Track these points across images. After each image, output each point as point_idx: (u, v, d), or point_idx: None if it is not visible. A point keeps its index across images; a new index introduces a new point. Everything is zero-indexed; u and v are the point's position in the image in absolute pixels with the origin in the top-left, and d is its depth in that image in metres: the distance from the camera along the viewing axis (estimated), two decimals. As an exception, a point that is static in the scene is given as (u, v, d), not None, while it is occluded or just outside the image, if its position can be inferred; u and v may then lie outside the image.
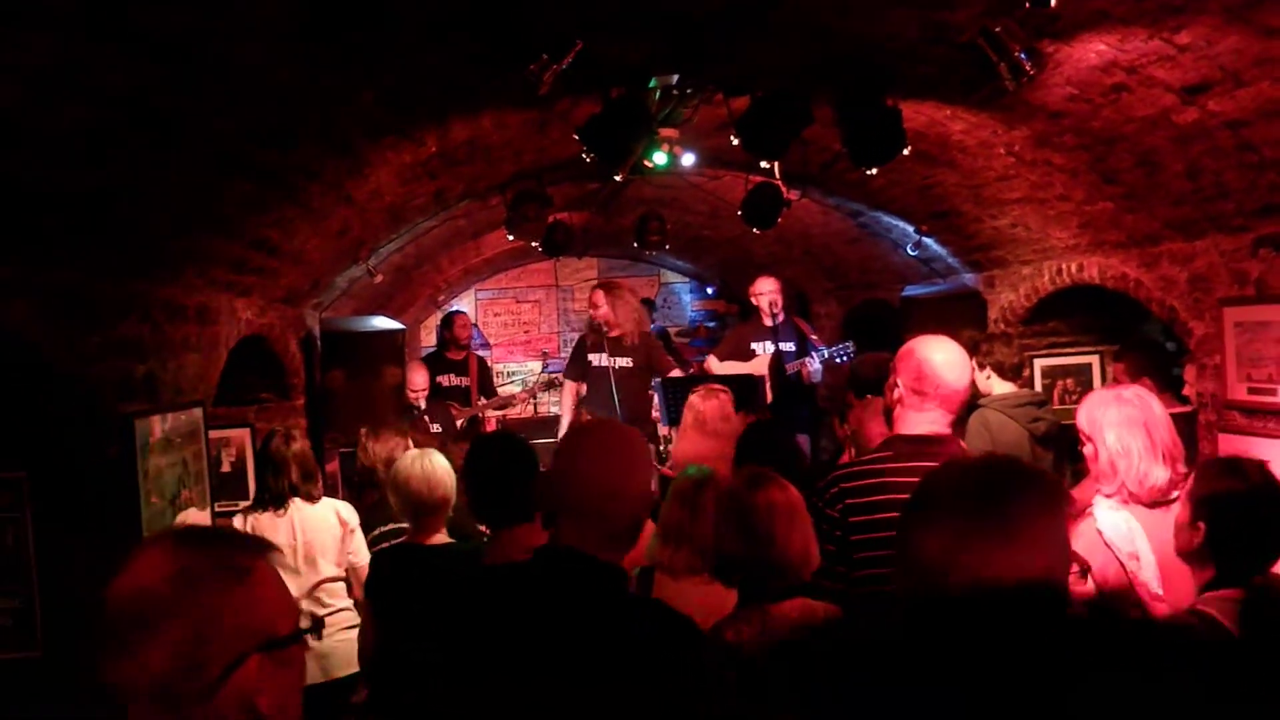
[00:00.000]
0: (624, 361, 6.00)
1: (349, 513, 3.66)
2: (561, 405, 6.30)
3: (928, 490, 1.30)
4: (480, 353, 9.79)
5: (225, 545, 1.17)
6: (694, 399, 3.89)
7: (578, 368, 6.18)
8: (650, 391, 6.03)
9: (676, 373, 7.98)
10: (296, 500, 3.56)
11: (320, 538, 3.57)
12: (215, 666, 1.08)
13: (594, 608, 1.55)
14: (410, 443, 3.78)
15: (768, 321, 6.10)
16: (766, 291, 6.10)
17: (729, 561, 2.13)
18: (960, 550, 1.20)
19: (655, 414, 6.04)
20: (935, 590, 1.21)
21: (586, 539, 1.61)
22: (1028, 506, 1.22)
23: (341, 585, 3.62)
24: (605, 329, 5.98)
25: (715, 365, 6.35)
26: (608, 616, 1.56)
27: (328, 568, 3.57)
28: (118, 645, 1.08)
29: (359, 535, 3.64)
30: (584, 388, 6.20)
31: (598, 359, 6.04)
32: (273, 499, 3.55)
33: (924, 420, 2.38)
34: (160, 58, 2.13)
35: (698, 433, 3.68)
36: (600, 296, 6.07)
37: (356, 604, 3.58)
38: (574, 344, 6.36)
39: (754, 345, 6.20)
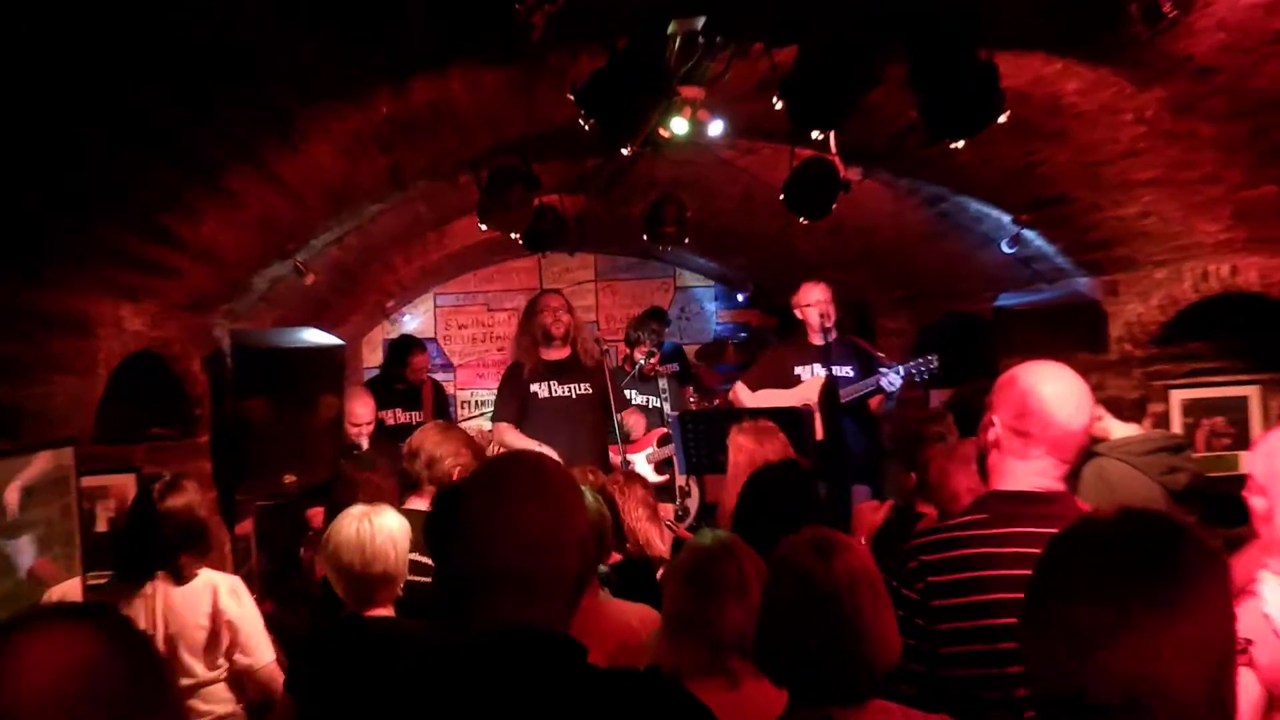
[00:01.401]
0: (584, 388, 6.16)
1: (232, 597, 3.56)
2: (515, 444, 6.17)
3: (1067, 550, 1.33)
4: (439, 376, 9.78)
5: (115, 614, 1.29)
6: (742, 439, 3.85)
7: (513, 405, 6.21)
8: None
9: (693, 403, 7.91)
10: (161, 578, 3.48)
11: (187, 629, 3.48)
12: None
13: (589, 704, 1.54)
14: (472, 458, 3.79)
15: (816, 340, 6.13)
16: (815, 302, 6.14)
17: (795, 658, 2.07)
18: (1122, 626, 1.23)
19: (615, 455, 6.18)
20: (1088, 680, 1.22)
21: (536, 610, 1.59)
22: (1196, 570, 1.26)
23: (221, 688, 3.54)
24: (556, 344, 6.15)
25: (745, 395, 6.37)
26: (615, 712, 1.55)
27: (198, 668, 3.49)
28: None
29: (253, 628, 3.56)
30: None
31: (544, 388, 6.17)
32: (134, 571, 3.47)
33: (1029, 471, 2.36)
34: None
35: None
36: (563, 302, 6.28)
37: (253, 708, 3.55)
38: (504, 374, 6.46)
39: (798, 370, 6.24)
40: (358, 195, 4.85)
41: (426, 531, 3.13)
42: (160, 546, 3.44)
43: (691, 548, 2.65)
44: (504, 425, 6.22)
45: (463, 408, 10.06)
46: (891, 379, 5.82)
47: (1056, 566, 1.32)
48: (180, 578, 3.47)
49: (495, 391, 9.30)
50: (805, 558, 2.11)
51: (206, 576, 3.56)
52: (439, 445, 3.85)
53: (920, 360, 5.82)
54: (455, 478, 3.79)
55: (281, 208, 4.24)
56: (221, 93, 3.03)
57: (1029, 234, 5.26)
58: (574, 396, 6.16)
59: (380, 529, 3.02)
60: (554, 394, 6.15)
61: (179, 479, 3.59)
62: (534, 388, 6.17)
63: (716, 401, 8.91)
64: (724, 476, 7.92)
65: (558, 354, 6.18)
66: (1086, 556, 1.29)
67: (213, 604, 3.50)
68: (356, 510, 3.09)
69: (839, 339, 6.20)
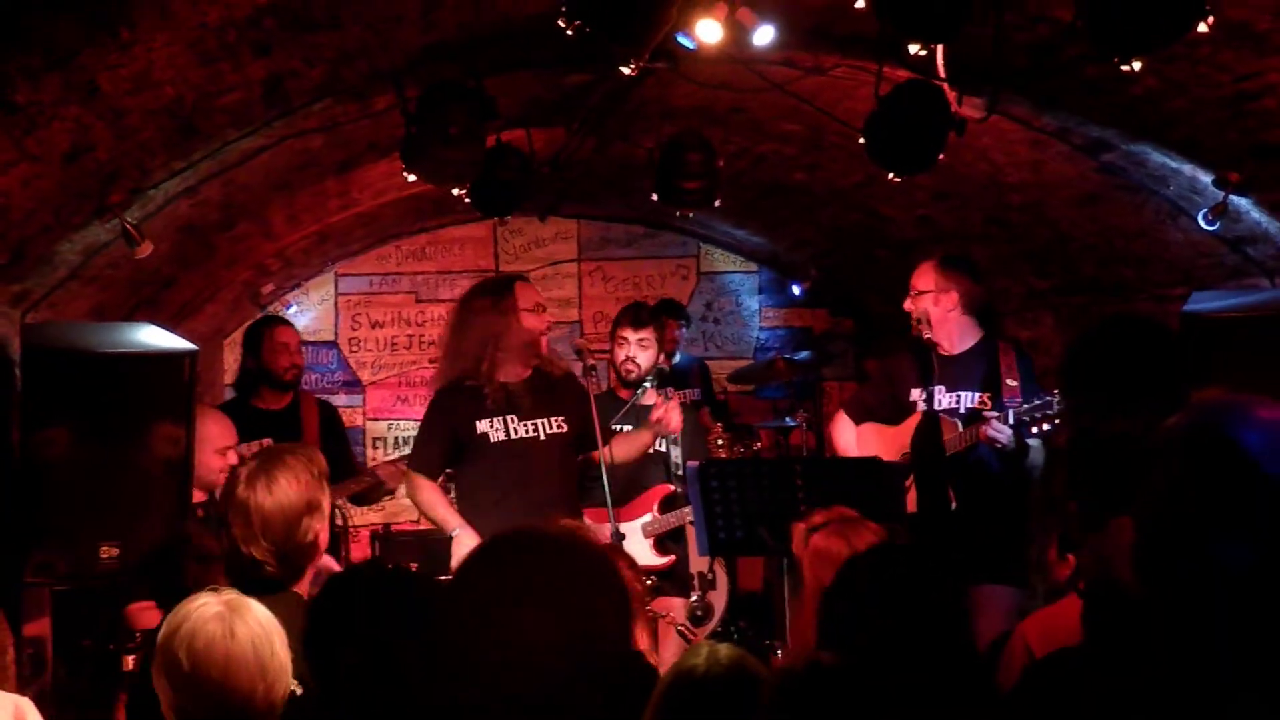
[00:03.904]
0: (556, 424, 6.14)
1: None
2: (436, 514, 6.27)
3: None
4: (342, 400, 9.71)
5: None
6: (825, 539, 3.84)
7: (438, 448, 6.26)
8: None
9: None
10: None
11: None
12: None
13: None
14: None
15: (951, 345, 6.19)
16: (918, 294, 6.21)
17: None
18: None
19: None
20: None
21: None
22: None
23: None
24: (542, 355, 6.21)
25: (844, 433, 6.47)
26: None
27: None
28: None
29: None
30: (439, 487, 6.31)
31: (493, 426, 6.16)
32: None
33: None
34: None
35: None
36: (539, 296, 6.32)
37: None
38: (430, 404, 6.46)
39: (915, 394, 6.27)
40: (218, 121, 4.84)
41: (309, 646, 3.10)
42: None
43: (678, 673, 2.69)
44: (422, 482, 6.25)
45: (374, 447, 10.02)
46: (996, 428, 5.76)
47: None
48: None
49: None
50: None
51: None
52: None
53: (1036, 401, 5.76)
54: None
55: (99, 133, 4.23)
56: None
57: (1240, 202, 5.23)
58: (542, 438, 6.13)
59: (251, 629, 3.03)
60: (513, 434, 6.12)
61: None
62: (482, 426, 6.12)
63: (758, 446, 8.87)
64: (767, 561, 7.87)
65: (517, 374, 6.13)
66: None
67: None
68: (210, 609, 3.07)
69: (979, 349, 6.20)
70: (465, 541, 5.91)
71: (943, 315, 6.14)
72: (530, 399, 6.14)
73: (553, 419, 6.15)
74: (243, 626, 3.05)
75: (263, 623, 3.10)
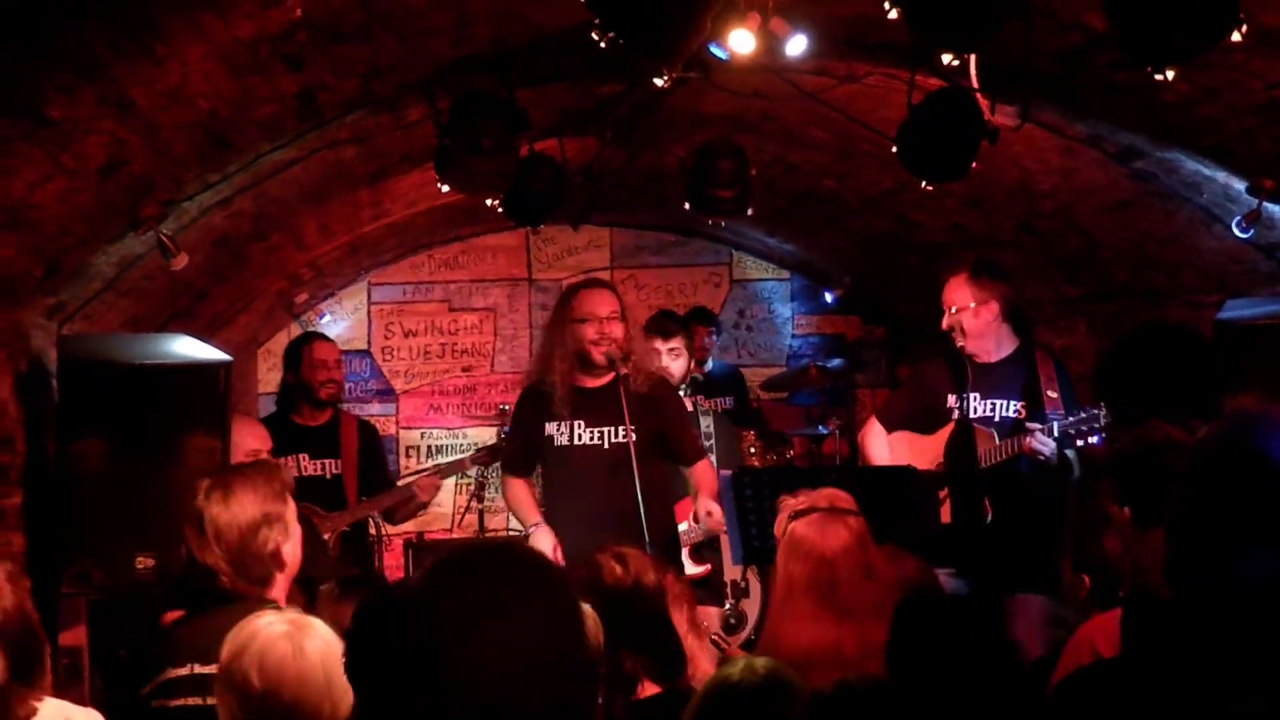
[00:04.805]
0: (623, 432, 6.11)
1: None
2: (518, 512, 6.38)
3: None
4: (375, 409, 9.73)
5: None
6: (802, 528, 3.82)
7: (519, 448, 6.39)
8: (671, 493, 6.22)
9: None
10: None
11: None
12: None
13: None
14: None
15: (989, 355, 6.14)
16: (952, 310, 6.13)
17: None
18: None
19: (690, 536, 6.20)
20: None
21: None
22: None
23: None
24: (596, 370, 6.13)
25: (875, 442, 6.41)
26: None
27: None
28: None
29: None
30: (534, 487, 6.41)
31: (559, 430, 6.19)
32: None
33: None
34: None
35: (816, 603, 3.63)
36: (611, 300, 6.23)
37: None
38: (513, 408, 6.63)
39: (951, 401, 6.24)
40: (251, 133, 4.86)
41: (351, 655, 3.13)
42: None
43: (716, 686, 2.70)
44: (512, 481, 6.37)
45: (407, 456, 10.03)
46: (1040, 440, 5.72)
47: None
48: (26, 711, 3.36)
49: (455, 434, 9.22)
50: None
51: (56, 710, 3.48)
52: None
53: (1082, 414, 5.71)
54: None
55: (134, 148, 4.25)
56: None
57: (1274, 209, 5.20)
58: (606, 445, 6.11)
59: (314, 647, 3.06)
60: (578, 440, 6.13)
61: None
62: (549, 429, 6.17)
63: (791, 454, 8.86)
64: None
65: (593, 381, 6.15)
66: None
67: None
68: (277, 628, 3.09)
69: (1017, 357, 6.19)
70: (539, 538, 5.99)
71: (984, 326, 6.09)
72: (601, 406, 6.14)
73: (620, 427, 6.09)
74: (311, 644, 3.07)
75: (328, 640, 3.12)
